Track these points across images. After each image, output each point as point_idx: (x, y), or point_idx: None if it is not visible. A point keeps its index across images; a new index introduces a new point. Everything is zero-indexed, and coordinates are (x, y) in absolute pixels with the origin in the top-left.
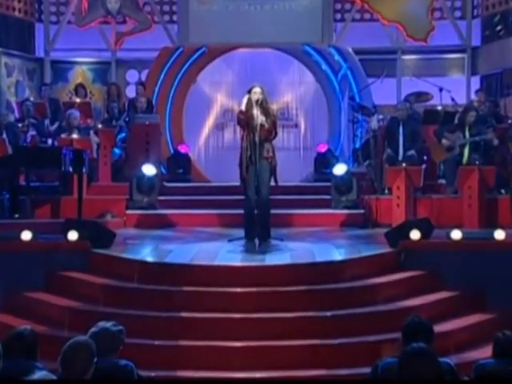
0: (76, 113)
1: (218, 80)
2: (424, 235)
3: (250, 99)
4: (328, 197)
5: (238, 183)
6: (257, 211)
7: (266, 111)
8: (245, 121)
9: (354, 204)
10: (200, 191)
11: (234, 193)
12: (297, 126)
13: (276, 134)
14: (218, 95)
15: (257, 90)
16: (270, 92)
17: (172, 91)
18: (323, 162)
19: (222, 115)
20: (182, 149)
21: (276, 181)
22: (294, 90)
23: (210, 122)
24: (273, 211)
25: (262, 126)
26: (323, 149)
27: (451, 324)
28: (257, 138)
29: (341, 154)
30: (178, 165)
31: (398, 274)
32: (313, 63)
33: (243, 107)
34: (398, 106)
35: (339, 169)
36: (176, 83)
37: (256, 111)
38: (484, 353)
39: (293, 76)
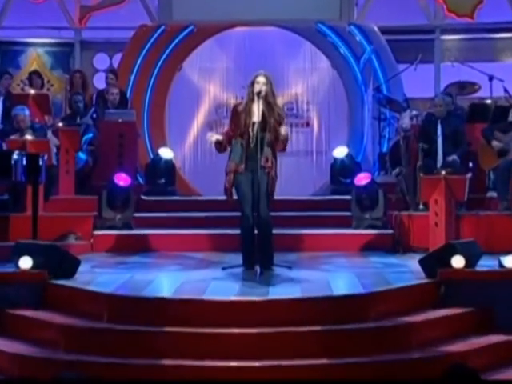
0: (23, 112)
1: (209, 67)
2: (469, 262)
3: (251, 91)
4: (348, 213)
5: (234, 197)
6: (257, 232)
7: (270, 108)
8: (239, 118)
9: (381, 223)
10: (187, 206)
11: (229, 209)
12: (308, 124)
13: (287, 140)
14: (210, 86)
15: (260, 79)
16: (275, 82)
17: (151, 81)
18: (342, 170)
19: (214, 111)
20: (163, 153)
21: (271, 195)
22: (305, 80)
23: (199, 119)
24: (279, 231)
25: (263, 125)
26: (342, 153)
27: (505, 375)
28: (253, 140)
29: (364, 159)
30: (160, 173)
31: (436, 312)
32: (328, 45)
33: (241, 106)
34: (436, 100)
35: (362, 178)
36: (156, 71)
37: (257, 106)
38: None
39: (303, 61)
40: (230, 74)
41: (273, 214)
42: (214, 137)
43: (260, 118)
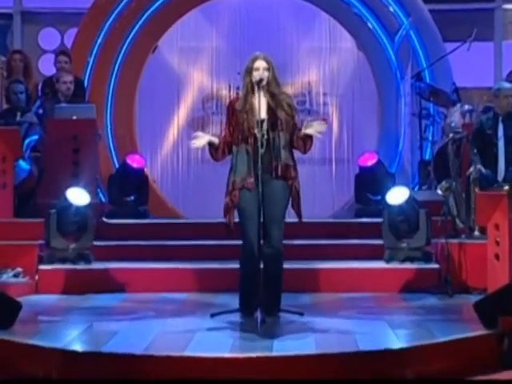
0: None
1: (193, 46)
2: None
3: (249, 81)
4: (379, 242)
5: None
6: (263, 266)
7: (276, 99)
8: (239, 118)
9: (422, 254)
10: (164, 232)
11: (220, 236)
12: (325, 122)
13: (310, 147)
14: (195, 72)
15: (259, 63)
16: (281, 67)
17: (117, 65)
18: (370, 184)
19: (200, 105)
20: (133, 162)
21: (300, 216)
22: (322, 64)
23: (180, 116)
24: (288, 266)
25: (272, 122)
26: (370, 161)
27: None
28: (263, 143)
29: (399, 169)
30: (128, 188)
31: (499, 374)
32: (353, 18)
33: (238, 104)
34: (497, 91)
35: (397, 195)
36: (123, 52)
37: (259, 100)
38: None
39: (319, 40)
40: (221, 55)
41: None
42: (205, 138)
43: (267, 114)
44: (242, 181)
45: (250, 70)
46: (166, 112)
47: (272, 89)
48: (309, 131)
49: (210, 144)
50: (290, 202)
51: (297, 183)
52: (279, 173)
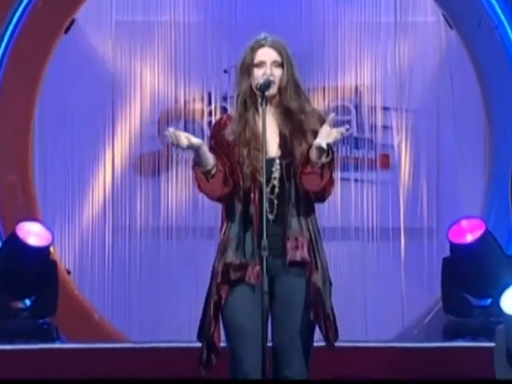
0: None
1: (140, 20)
2: None
3: (247, 87)
4: (490, 378)
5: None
6: None
7: (294, 121)
8: (231, 157)
9: None
10: (87, 367)
11: (190, 371)
12: (386, 162)
13: (332, 183)
14: (143, 66)
15: (265, 54)
16: (306, 59)
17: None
18: (470, 277)
19: (153, 129)
20: (28, 236)
21: (330, 338)
22: (380, 53)
23: (116, 151)
24: None
25: (286, 163)
26: (471, 235)
27: None
28: (274, 201)
29: None
30: (18, 286)
31: None
32: None
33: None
34: None
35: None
36: (8, 35)
37: (264, 121)
38: None
39: (376, 9)
40: (193, 38)
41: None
42: (192, 140)
43: (280, 150)
44: (236, 268)
45: (248, 67)
46: (90, 143)
47: (288, 101)
48: (318, 142)
49: (199, 154)
50: (313, 310)
51: (319, 274)
52: (297, 256)
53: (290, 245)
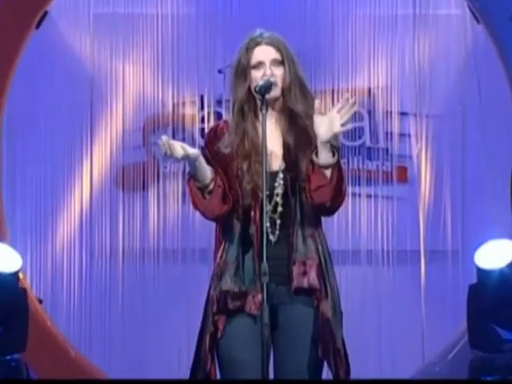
0: None
1: (122, 13)
2: None
3: (245, 90)
4: None
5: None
6: None
7: (299, 128)
8: (228, 169)
9: None
10: None
11: None
12: (404, 177)
13: (344, 193)
14: (126, 65)
15: (263, 52)
16: (312, 58)
17: None
18: (500, 306)
19: (138, 137)
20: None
21: (345, 377)
22: (397, 50)
23: (94, 162)
24: None
25: (291, 176)
26: (501, 259)
27: None
28: (276, 220)
29: None
30: None
31: None
32: None
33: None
34: None
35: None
36: None
37: (264, 128)
38: None
39: (392, 2)
40: (183, 33)
41: None
42: (188, 150)
43: (284, 161)
44: (234, 297)
45: (244, 69)
46: (65, 153)
47: (293, 103)
48: (321, 134)
49: (195, 167)
50: (321, 344)
51: (328, 303)
52: (305, 283)
53: (296, 270)
